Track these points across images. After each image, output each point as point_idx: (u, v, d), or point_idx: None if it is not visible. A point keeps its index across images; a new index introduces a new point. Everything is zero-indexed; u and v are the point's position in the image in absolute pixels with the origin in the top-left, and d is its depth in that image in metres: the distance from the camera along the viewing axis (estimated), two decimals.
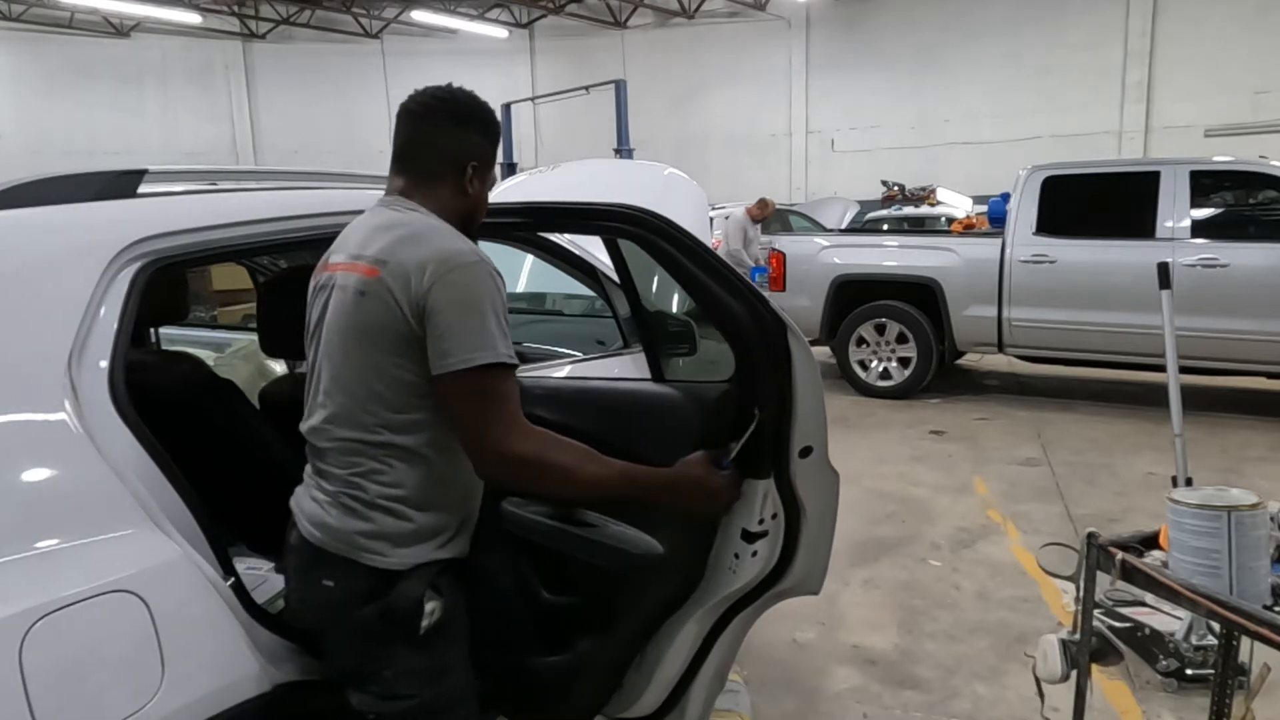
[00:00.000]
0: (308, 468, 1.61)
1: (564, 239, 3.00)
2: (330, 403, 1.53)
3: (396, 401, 1.48)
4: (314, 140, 20.32)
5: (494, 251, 2.94)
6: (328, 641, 1.57)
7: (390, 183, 1.62)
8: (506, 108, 15.40)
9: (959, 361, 8.12)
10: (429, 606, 1.49)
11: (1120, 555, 1.81)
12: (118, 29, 20.57)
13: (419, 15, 19.96)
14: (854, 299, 7.45)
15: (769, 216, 9.44)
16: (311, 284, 1.63)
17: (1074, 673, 2.08)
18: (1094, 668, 2.11)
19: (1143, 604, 2.89)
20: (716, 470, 1.68)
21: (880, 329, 7.35)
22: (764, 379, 1.73)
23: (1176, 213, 6.27)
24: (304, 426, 1.60)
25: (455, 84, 1.63)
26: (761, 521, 1.82)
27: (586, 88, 14.69)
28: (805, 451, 1.79)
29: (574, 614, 1.89)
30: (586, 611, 1.88)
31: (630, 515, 1.66)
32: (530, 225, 2.46)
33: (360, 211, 1.64)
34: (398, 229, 1.50)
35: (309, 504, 1.56)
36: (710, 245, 2.13)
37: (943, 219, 12.74)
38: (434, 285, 1.42)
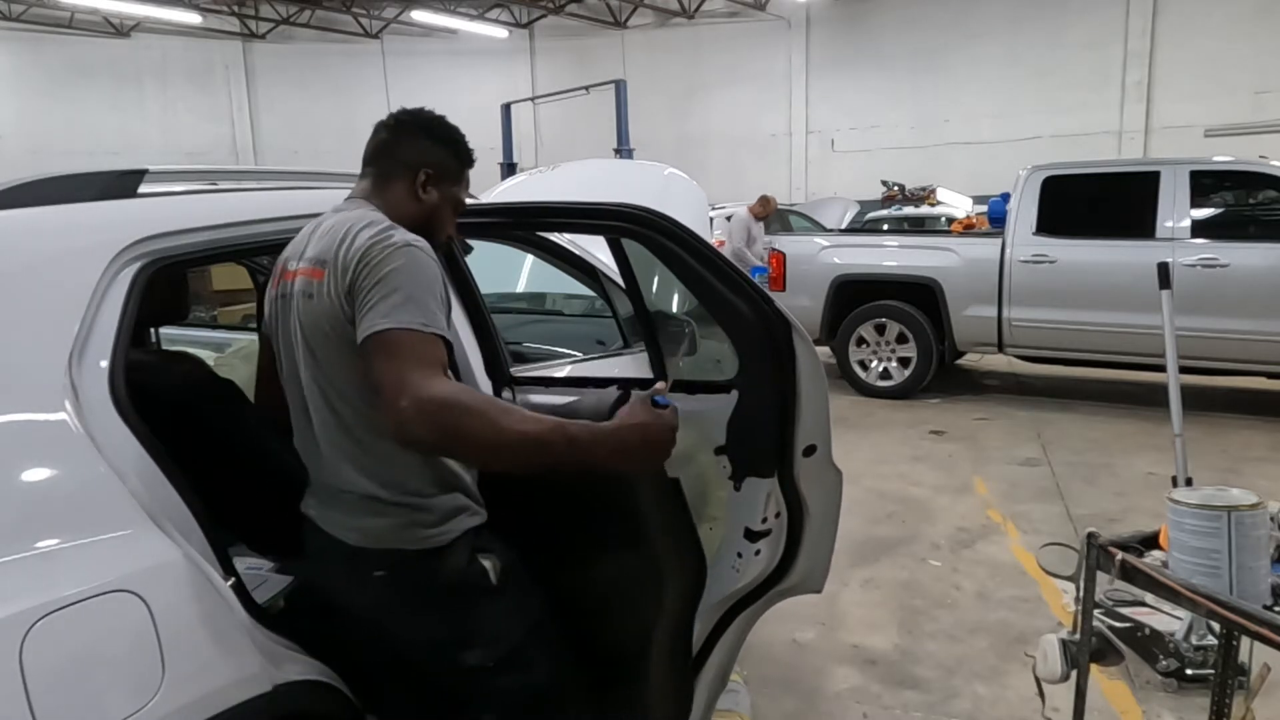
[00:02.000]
0: (314, 475, 1.61)
1: (564, 239, 2.99)
2: (316, 417, 1.55)
3: (369, 398, 1.44)
4: (314, 140, 20.28)
5: (494, 251, 2.96)
6: (400, 627, 1.57)
7: (353, 189, 1.66)
8: (506, 108, 15.41)
9: (959, 361, 8.11)
10: (486, 564, 1.55)
11: (1120, 555, 1.81)
12: (117, 29, 20.56)
13: (419, 15, 19.93)
14: (854, 299, 7.45)
15: (771, 214, 9.44)
16: (271, 290, 1.65)
17: (1074, 673, 2.08)
18: (1094, 668, 2.11)
19: (1143, 604, 2.89)
20: (657, 410, 1.46)
21: (880, 329, 7.35)
22: (768, 378, 1.73)
23: (1176, 213, 6.26)
24: (296, 442, 1.62)
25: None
26: (765, 520, 1.82)
27: (586, 88, 14.68)
28: (809, 450, 1.79)
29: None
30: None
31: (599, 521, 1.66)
32: (535, 225, 2.45)
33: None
34: (340, 228, 1.51)
35: (329, 509, 1.58)
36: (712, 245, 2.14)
37: (943, 219, 12.73)
38: (360, 269, 1.43)
